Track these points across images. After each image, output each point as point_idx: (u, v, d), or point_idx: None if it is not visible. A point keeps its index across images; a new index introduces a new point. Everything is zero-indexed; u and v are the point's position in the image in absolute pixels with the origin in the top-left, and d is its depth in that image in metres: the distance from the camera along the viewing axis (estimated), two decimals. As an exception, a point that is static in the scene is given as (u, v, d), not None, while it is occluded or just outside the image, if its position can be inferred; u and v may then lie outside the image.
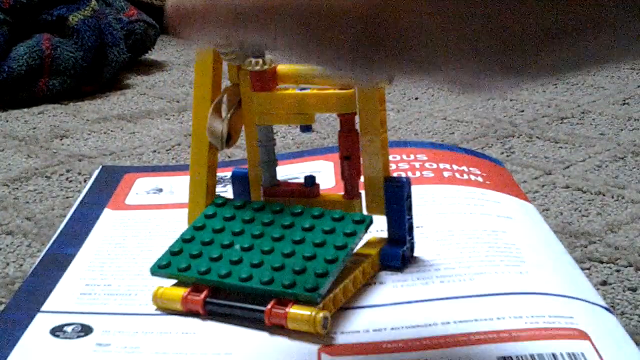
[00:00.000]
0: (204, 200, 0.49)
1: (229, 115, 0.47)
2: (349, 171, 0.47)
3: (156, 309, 0.44)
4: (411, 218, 0.47)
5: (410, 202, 0.47)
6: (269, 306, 0.41)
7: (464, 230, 0.51)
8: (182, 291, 0.44)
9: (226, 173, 0.62)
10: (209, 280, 0.43)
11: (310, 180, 0.48)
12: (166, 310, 0.44)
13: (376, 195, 0.46)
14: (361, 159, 0.47)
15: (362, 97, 0.45)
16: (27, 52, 1.00)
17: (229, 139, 0.47)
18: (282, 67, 0.46)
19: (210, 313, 0.43)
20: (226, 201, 0.48)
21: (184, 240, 0.46)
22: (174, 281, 0.45)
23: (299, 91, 0.46)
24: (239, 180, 0.49)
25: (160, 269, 0.45)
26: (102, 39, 1.05)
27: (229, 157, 0.76)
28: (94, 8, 1.05)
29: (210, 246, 0.45)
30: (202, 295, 0.43)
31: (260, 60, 0.45)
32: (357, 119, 0.46)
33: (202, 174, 0.49)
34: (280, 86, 0.47)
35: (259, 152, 0.48)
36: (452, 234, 0.50)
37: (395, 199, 0.46)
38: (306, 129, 0.47)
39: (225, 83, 0.48)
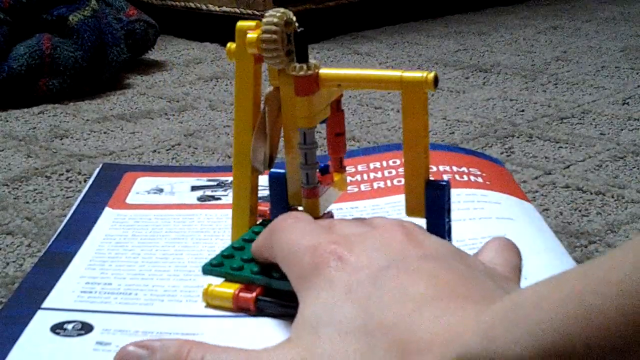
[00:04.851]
0: (247, 222, 0.49)
1: (268, 138, 0.47)
2: (339, 146, 0.50)
3: (205, 306, 0.45)
4: (450, 221, 0.46)
5: (450, 205, 0.46)
6: None
7: (463, 238, 0.51)
8: (233, 288, 0.44)
9: (227, 177, 0.64)
10: (262, 280, 0.44)
11: (325, 169, 0.50)
12: (214, 307, 0.45)
13: (417, 198, 0.46)
14: (403, 164, 0.46)
15: (407, 104, 0.45)
16: (27, 52, 1.00)
17: (271, 162, 0.48)
18: (324, 71, 0.46)
19: (259, 311, 0.44)
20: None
21: (235, 248, 0.47)
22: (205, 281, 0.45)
23: None
24: (276, 182, 0.49)
25: (213, 267, 0.46)
26: (102, 39, 1.05)
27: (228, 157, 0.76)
28: (94, 8, 1.05)
29: None
30: (254, 293, 0.44)
31: (305, 65, 0.45)
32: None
33: (245, 197, 0.49)
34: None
35: (300, 155, 0.47)
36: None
37: (436, 202, 0.45)
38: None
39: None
